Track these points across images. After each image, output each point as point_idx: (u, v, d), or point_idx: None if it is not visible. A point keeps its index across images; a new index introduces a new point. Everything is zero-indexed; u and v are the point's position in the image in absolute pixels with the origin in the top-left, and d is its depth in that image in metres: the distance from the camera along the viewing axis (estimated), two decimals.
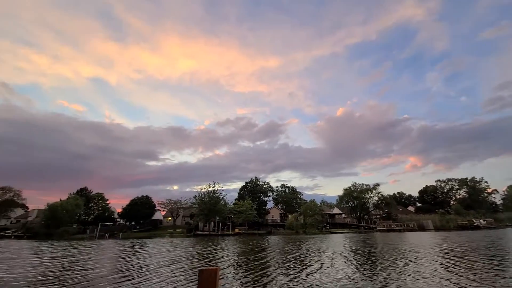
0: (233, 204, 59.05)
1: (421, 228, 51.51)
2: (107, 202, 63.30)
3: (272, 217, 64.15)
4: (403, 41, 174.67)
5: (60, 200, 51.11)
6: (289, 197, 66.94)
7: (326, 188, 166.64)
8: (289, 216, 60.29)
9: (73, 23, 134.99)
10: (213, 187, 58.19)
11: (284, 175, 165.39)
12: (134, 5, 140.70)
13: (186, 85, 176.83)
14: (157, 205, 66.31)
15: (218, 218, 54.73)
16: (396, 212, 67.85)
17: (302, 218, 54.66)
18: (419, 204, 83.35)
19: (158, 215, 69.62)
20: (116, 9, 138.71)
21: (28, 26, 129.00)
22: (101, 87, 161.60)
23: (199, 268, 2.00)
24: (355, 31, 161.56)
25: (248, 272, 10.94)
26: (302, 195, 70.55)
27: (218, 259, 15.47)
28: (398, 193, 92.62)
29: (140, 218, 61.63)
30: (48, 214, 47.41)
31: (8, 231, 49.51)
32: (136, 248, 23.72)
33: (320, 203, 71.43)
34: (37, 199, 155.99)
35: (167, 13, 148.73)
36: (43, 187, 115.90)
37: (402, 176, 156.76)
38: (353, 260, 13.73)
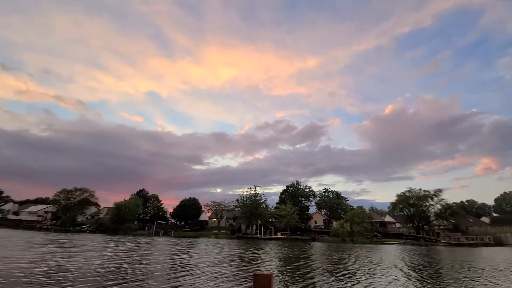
0: (274, 208, 58.72)
1: (499, 242, 42.97)
2: (161, 202, 69.75)
3: (315, 223, 61.63)
4: (465, 25, 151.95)
5: (124, 200, 58.37)
6: (333, 202, 63.41)
7: (375, 193, 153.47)
8: (334, 222, 57.06)
9: (132, 45, 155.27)
10: (254, 191, 59.05)
11: (327, 179, 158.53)
12: (179, 22, 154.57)
13: (227, 92, 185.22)
14: (203, 206, 70.06)
15: (260, 221, 55.13)
16: (466, 223, 58.06)
17: (349, 225, 51.08)
18: (495, 215, 69.87)
19: (204, 216, 73.52)
20: (164, 29, 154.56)
21: (97, 51, 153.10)
22: (154, 99, 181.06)
23: (254, 272, 1.96)
24: (405, 18, 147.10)
25: (301, 281, 10.53)
26: (348, 200, 66.12)
27: (265, 263, 15.39)
28: (467, 201, 79.42)
29: (189, 218, 66.01)
30: (115, 212, 54.60)
31: (84, 226, 58.56)
32: (189, 247, 25.36)
33: (369, 210, 65.86)
34: (107, 199, 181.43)
35: (208, 26, 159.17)
36: (111, 188, 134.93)
37: (471, 181, 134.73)
38: (425, 277, 12.06)
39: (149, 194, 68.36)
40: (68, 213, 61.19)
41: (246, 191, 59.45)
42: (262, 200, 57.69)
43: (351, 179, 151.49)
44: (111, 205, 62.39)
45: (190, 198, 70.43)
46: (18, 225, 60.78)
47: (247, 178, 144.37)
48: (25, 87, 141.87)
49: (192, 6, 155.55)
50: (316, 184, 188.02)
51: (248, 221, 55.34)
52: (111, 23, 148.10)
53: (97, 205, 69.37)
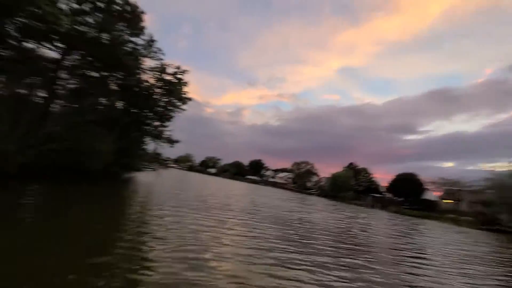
0: None
1: None
2: (371, 175, 68.46)
3: None
4: None
5: (337, 172, 65.06)
6: None
7: None
8: None
9: (318, 29, 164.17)
10: None
11: None
12: None
13: (443, 31, 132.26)
14: (425, 183, 58.31)
15: None
16: None
17: None
18: None
19: (431, 195, 60.77)
20: None
21: (295, 48, 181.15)
22: (347, 73, 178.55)
23: None
24: None
25: None
26: None
27: None
28: None
29: (407, 194, 58.21)
30: (332, 181, 62.76)
31: (312, 190, 73.90)
32: (419, 228, 22.22)
33: None
34: (322, 170, 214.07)
35: None
36: (324, 161, 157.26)
37: None
38: None
39: (359, 167, 69.66)
40: (300, 180, 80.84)
41: (507, 167, 39.93)
42: None
43: None
44: (326, 175, 72.64)
45: (405, 173, 61.81)
46: (275, 185, 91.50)
47: (499, 146, 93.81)
48: (262, 93, 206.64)
49: None
50: None
51: None
52: (298, 18, 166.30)
53: (317, 175, 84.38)
